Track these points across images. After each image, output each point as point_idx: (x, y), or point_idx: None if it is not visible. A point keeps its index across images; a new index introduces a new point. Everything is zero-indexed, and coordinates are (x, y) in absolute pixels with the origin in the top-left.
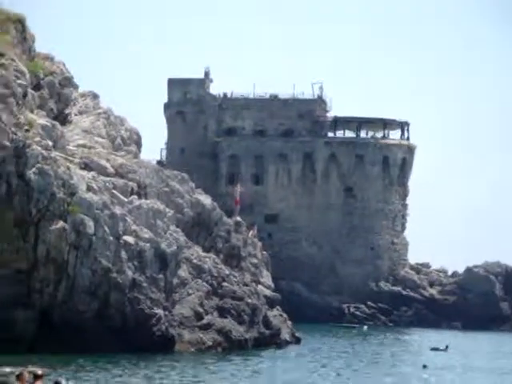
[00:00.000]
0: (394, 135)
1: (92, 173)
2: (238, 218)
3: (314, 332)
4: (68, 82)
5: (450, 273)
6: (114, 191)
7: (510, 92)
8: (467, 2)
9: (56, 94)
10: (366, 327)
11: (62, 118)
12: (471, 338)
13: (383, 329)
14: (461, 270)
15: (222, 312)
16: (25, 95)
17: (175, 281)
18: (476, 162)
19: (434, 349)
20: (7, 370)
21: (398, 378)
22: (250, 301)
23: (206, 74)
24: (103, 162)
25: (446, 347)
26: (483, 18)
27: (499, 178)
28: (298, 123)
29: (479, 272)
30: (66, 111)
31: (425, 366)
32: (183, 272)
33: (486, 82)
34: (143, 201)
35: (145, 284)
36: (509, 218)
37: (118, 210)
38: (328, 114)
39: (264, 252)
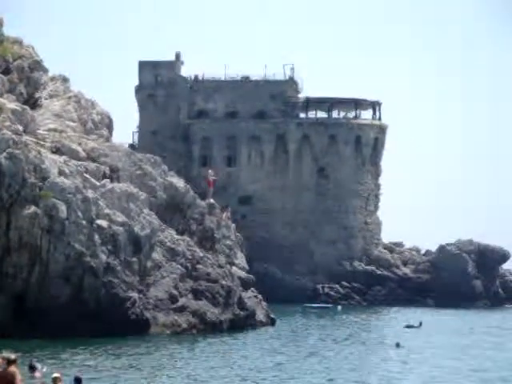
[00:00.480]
0: (366, 115)
1: (63, 157)
2: (212, 201)
3: (289, 313)
4: (37, 65)
5: (423, 251)
6: (86, 175)
7: (481, 67)
8: None
9: (25, 77)
10: (339, 307)
11: (32, 102)
12: (443, 315)
13: (357, 308)
14: (434, 248)
15: (197, 294)
16: None
17: (149, 264)
18: (447, 140)
19: (408, 326)
20: None
21: (370, 356)
22: (224, 283)
23: (177, 56)
24: (75, 146)
25: (420, 324)
26: (479, 16)
27: (471, 155)
28: (270, 104)
29: (452, 250)
30: (36, 95)
31: (398, 345)
32: (157, 255)
33: (457, 59)
34: (116, 184)
35: (119, 268)
36: (481, 195)
37: (90, 194)
38: (300, 95)
39: (238, 234)
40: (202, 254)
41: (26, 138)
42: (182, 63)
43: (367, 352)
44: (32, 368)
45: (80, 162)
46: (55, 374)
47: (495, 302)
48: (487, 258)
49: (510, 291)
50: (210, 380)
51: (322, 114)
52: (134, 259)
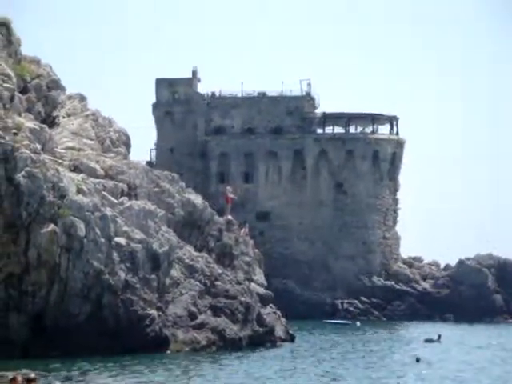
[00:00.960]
0: (383, 130)
1: (81, 175)
2: (230, 217)
3: (308, 329)
4: (55, 84)
5: (442, 266)
6: (104, 193)
7: (501, 85)
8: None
9: (43, 96)
10: (358, 323)
11: (50, 121)
12: (463, 329)
13: (377, 323)
14: (453, 262)
15: (216, 311)
16: (12, 99)
17: (168, 281)
18: (466, 155)
19: (428, 340)
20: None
21: (390, 371)
22: (243, 299)
23: (194, 73)
24: (92, 164)
25: (439, 337)
26: (479, 16)
27: (489, 170)
28: (287, 120)
29: (471, 264)
30: (54, 114)
31: (418, 360)
32: (176, 272)
33: (475, 76)
34: (134, 202)
35: (137, 285)
36: (500, 209)
37: (108, 212)
38: (316, 111)
39: (256, 250)
40: (220, 271)
41: (44, 156)
42: (199, 80)
43: (386, 369)
44: (29, 381)
45: (98, 180)
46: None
47: None
48: (507, 272)
49: None
50: None
51: (339, 130)
52: (153, 276)
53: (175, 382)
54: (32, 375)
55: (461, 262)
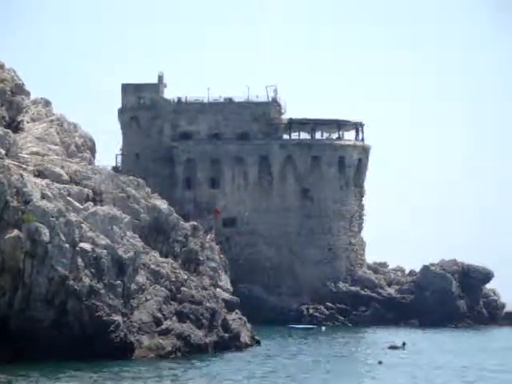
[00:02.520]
0: (349, 136)
1: (46, 180)
2: (195, 223)
3: (273, 334)
4: (19, 89)
5: (407, 271)
6: (68, 198)
7: (466, 89)
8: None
9: (7, 101)
10: (323, 328)
11: (14, 126)
12: (428, 336)
13: (342, 329)
14: (418, 268)
15: (181, 317)
16: None
17: (133, 287)
18: (430, 161)
19: (393, 347)
20: None
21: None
22: (208, 305)
23: (160, 78)
24: (57, 169)
25: (404, 345)
26: (451, 17)
27: (453, 176)
28: (253, 126)
29: (436, 270)
30: (18, 118)
31: (380, 362)
32: (141, 278)
33: (438, 82)
34: (99, 207)
35: (102, 291)
36: (463, 215)
37: (73, 217)
38: (283, 117)
39: (222, 256)
40: (186, 277)
41: (8, 161)
42: (165, 85)
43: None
44: None
45: (63, 185)
46: None
47: (479, 321)
48: (471, 277)
49: (493, 311)
50: None
51: (305, 136)
52: (118, 282)
53: None
54: None
55: (425, 268)
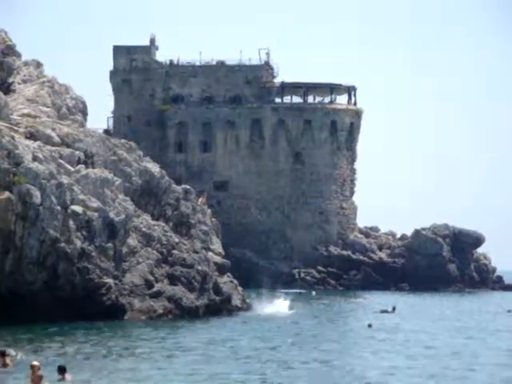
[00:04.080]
0: (342, 100)
1: (37, 142)
2: (187, 186)
3: (264, 298)
4: (10, 50)
5: (398, 236)
6: (60, 161)
7: (458, 53)
8: None
9: None
10: (314, 292)
11: (5, 88)
12: (418, 299)
13: (332, 293)
14: (409, 232)
15: (173, 280)
16: None
17: (124, 249)
18: (423, 125)
19: (383, 311)
20: None
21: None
22: (200, 268)
23: (152, 40)
24: (49, 132)
25: (393, 309)
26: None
27: (445, 141)
28: (246, 89)
29: (427, 234)
30: (9, 80)
31: (370, 325)
32: (132, 241)
33: (432, 47)
34: (90, 170)
35: (94, 253)
36: (455, 180)
37: (64, 180)
38: (275, 80)
39: (213, 219)
40: (177, 240)
41: None
42: (157, 48)
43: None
44: (3, 355)
45: (54, 148)
46: (34, 362)
47: (470, 285)
48: (462, 242)
49: (484, 275)
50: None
51: (297, 99)
52: (109, 245)
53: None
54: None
55: (417, 232)
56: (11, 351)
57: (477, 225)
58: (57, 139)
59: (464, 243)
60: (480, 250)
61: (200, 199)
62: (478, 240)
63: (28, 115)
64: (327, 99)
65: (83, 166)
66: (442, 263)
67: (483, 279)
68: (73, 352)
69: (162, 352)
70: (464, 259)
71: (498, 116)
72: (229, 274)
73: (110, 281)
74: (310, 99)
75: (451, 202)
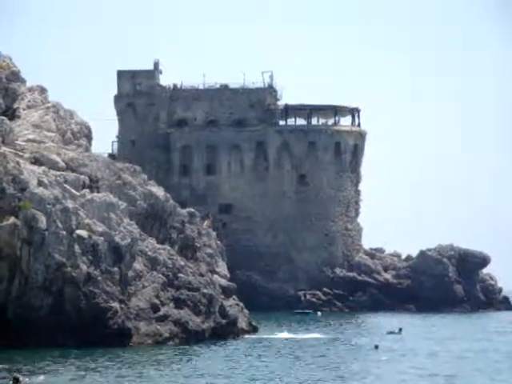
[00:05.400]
0: (345, 122)
1: (42, 167)
2: (192, 209)
3: (270, 320)
4: (15, 76)
5: (403, 257)
6: (65, 185)
7: (460, 77)
8: None
9: (3, 88)
10: (319, 313)
11: (10, 113)
12: (425, 320)
13: (338, 314)
14: (414, 253)
15: (179, 303)
16: None
17: (130, 273)
18: (427, 147)
19: (390, 332)
20: None
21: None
22: (205, 291)
23: (156, 65)
24: (54, 157)
25: (400, 330)
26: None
27: (449, 162)
28: (249, 112)
29: (432, 255)
30: (14, 106)
31: (376, 347)
32: (138, 264)
33: (433, 69)
34: (95, 194)
35: (99, 278)
36: (460, 201)
37: (70, 204)
38: (279, 103)
39: (219, 242)
40: (183, 263)
41: (4, 148)
42: (161, 72)
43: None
44: (16, 381)
45: (59, 173)
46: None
47: (476, 306)
48: (468, 262)
49: (490, 295)
50: None
51: (301, 121)
52: (115, 269)
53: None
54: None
55: (422, 253)
56: (20, 377)
57: (482, 245)
58: (62, 164)
59: (470, 264)
60: (486, 270)
61: (205, 222)
62: (483, 260)
63: (33, 140)
64: (331, 121)
65: (88, 190)
66: (447, 284)
67: (489, 300)
68: (81, 378)
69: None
70: (470, 280)
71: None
72: (234, 296)
73: (115, 305)
74: (314, 121)
75: (456, 223)
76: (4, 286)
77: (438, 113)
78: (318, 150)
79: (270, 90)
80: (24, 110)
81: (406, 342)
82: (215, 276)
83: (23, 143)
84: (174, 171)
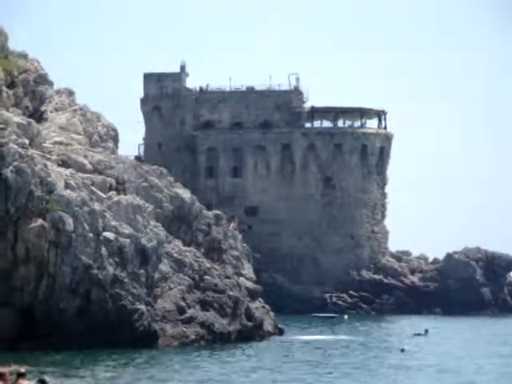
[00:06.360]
0: (372, 124)
1: (70, 170)
2: (218, 211)
3: (296, 323)
4: (43, 79)
5: (430, 260)
6: (92, 187)
7: (486, 78)
8: None
9: (31, 91)
10: (346, 316)
11: (38, 116)
12: (451, 323)
13: (365, 317)
14: (441, 256)
15: (205, 305)
16: None
17: (156, 275)
18: (453, 149)
19: (416, 334)
20: None
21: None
22: (231, 293)
23: (182, 67)
24: (81, 159)
25: (426, 332)
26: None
27: (476, 163)
28: (275, 115)
29: (459, 258)
30: (42, 108)
31: (403, 350)
32: (164, 266)
33: (460, 70)
34: (122, 196)
35: (126, 280)
36: (488, 203)
37: (97, 207)
38: (305, 105)
39: (245, 244)
40: (209, 265)
41: (32, 151)
42: (187, 75)
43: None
44: (42, 383)
45: (86, 175)
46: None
47: (504, 309)
48: (495, 265)
49: None
50: None
51: (327, 124)
52: (142, 271)
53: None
54: (22, 370)
55: (449, 256)
56: (47, 379)
57: (509, 248)
58: (89, 166)
59: (497, 266)
60: None
61: (231, 225)
62: (511, 263)
63: (60, 143)
64: (357, 123)
65: (115, 192)
66: (475, 287)
67: None
68: (106, 381)
69: None
70: (497, 283)
71: None
72: (260, 299)
73: (142, 307)
74: (340, 123)
75: (484, 225)
76: (31, 288)
77: (464, 114)
78: (344, 153)
79: (296, 93)
80: (51, 112)
81: (432, 344)
82: (241, 278)
83: (50, 146)
84: (200, 174)
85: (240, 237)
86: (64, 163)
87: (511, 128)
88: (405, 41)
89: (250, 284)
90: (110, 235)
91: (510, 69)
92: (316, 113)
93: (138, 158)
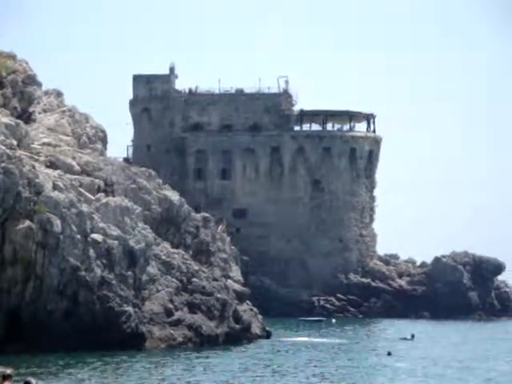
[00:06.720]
0: (360, 127)
1: (58, 171)
2: (206, 214)
3: (284, 326)
4: (31, 80)
5: (418, 263)
6: (80, 189)
7: (476, 78)
8: None
9: (19, 92)
10: (334, 320)
11: (26, 117)
12: (438, 327)
13: (352, 320)
14: (429, 260)
15: (192, 308)
16: None
17: (144, 277)
18: (442, 152)
19: (402, 339)
20: None
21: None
22: (219, 296)
23: (171, 69)
24: (69, 160)
25: (412, 336)
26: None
27: (465, 168)
28: (265, 117)
29: (447, 262)
30: (30, 109)
31: (389, 354)
32: (152, 268)
33: (460, 70)
34: (110, 198)
35: (114, 282)
36: (475, 207)
37: (85, 208)
38: (294, 108)
39: (233, 247)
40: (197, 268)
41: (20, 152)
42: (176, 77)
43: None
44: None
45: (74, 176)
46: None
47: (491, 313)
48: (482, 269)
49: (505, 303)
50: None
51: (316, 127)
52: (129, 273)
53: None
54: (8, 371)
55: (437, 260)
56: (33, 380)
57: (497, 252)
58: (77, 168)
59: (484, 270)
60: (501, 277)
61: (220, 227)
62: (498, 267)
63: (48, 144)
64: (346, 127)
65: (103, 194)
66: (462, 291)
67: (504, 307)
68: (90, 380)
69: None
70: (485, 287)
71: None
72: (248, 301)
73: (129, 309)
74: (329, 127)
75: (472, 229)
76: (18, 290)
77: (458, 117)
78: (332, 156)
79: (286, 96)
80: (40, 113)
81: (418, 349)
82: (229, 281)
83: (39, 147)
84: (188, 176)
85: (228, 239)
86: (52, 164)
87: (511, 128)
88: (405, 41)
89: (237, 286)
90: (97, 237)
91: (510, 69)
92: (305, 116)
93: (126, 159)
